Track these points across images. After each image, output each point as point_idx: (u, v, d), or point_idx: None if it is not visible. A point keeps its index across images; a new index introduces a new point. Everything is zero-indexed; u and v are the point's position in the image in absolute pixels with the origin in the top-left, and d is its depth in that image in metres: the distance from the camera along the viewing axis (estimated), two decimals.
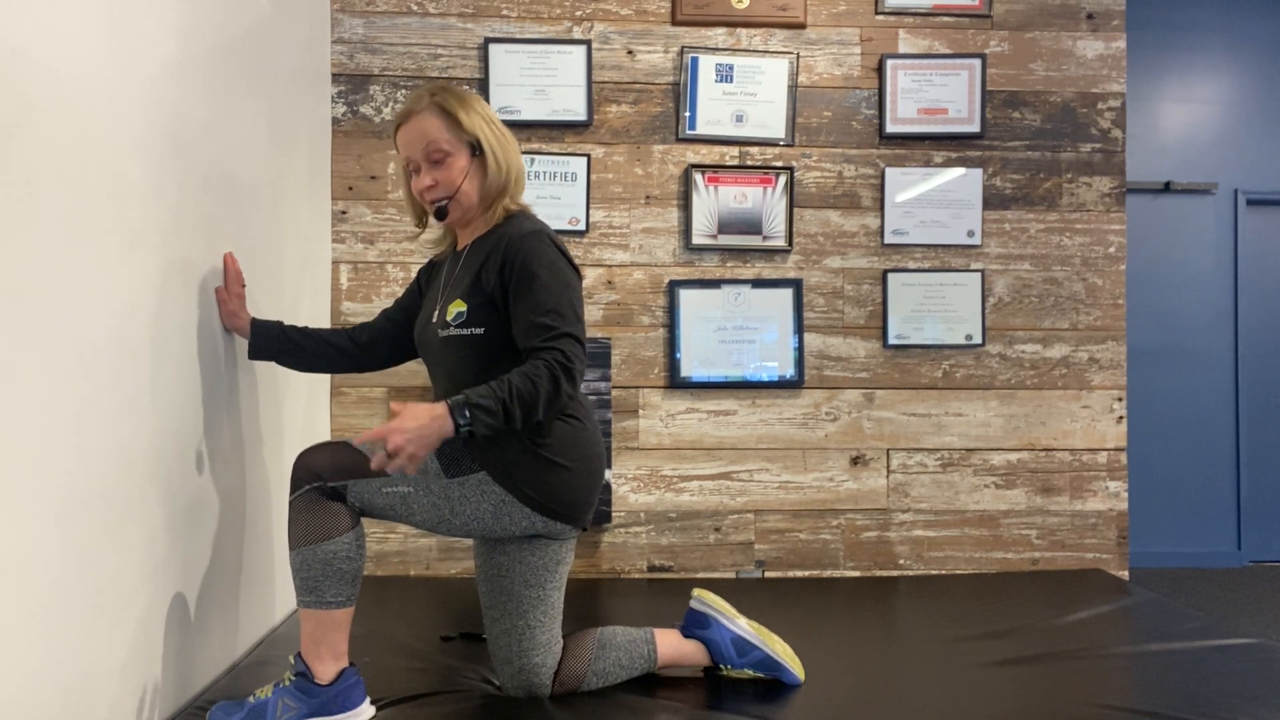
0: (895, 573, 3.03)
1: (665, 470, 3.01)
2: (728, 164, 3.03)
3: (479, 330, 1.76)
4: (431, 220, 1.95)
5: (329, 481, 1.65)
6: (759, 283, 3.02)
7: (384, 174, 2.97)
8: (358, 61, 2.97)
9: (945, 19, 3.09)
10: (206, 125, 1.91)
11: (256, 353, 2.02)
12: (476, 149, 1.83)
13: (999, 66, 3.10)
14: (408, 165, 1.88)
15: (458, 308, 1.78)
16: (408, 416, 1.53)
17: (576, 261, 2.97)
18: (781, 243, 3.03)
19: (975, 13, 3.08)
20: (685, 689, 1.88)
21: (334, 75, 2.96)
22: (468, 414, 1.56)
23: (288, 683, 1.65)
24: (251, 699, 1.65)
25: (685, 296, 3.00)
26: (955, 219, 3.07)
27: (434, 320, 1.84)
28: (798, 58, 3.04)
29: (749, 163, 3.04)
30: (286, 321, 2.45)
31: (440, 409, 1.56)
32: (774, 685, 1.91)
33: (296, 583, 1.65)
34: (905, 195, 3.06)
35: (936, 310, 3.05)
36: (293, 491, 1.66)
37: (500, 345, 1.77)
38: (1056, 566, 3.07)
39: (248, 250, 2.15)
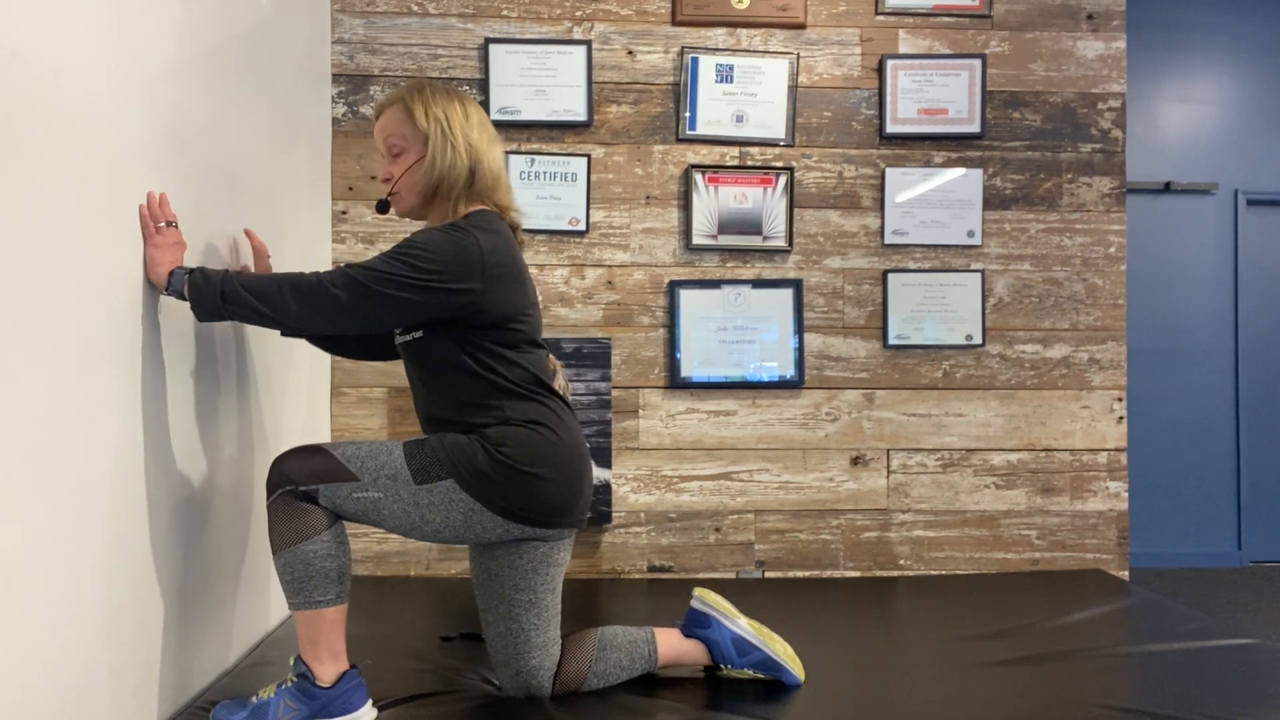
0: (895, 573, 3.03)
1: (665, 470, 3.01)
2: (728, 164, 3.03)
3: (418, 334, 1.77)
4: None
5: (300, 485, 1.64)
6: (759, 283, 3.02)
7: None
8: (358, 61, 2.97)
9: (945, 19, 3.09)
10: (207, 125, 1.92)
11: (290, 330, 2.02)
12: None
13: (999, 67, 3.10)
14: None
15: None
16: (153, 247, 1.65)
17: (575, 262, 2.99)
18: (781, 243, 3.03)
19: (975, 13, 3.08)
20: (685, 689, 1.88)
21: (334, 75, 2.96)
22: (184, 273, 1.64)
23: (290, 684, 1.65)
24: (254, 699, 1.65)
25: (685, 297, 3.00)
26: (955, 219, 3.07)
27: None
28: (798, 58, 3.04)
29: (749, 163, 3.04)
30: None
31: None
32: (774, 685, 1.91)
33: (284, 586, 1.65)
34: (905, 195, 3.06)
35: (936, 310, 3.05)
36: (268, 496, 1.66)
37: (444, 348, 1.75)
38: (1056, 567, 3.07)
39: (248, 250, 2.15)
